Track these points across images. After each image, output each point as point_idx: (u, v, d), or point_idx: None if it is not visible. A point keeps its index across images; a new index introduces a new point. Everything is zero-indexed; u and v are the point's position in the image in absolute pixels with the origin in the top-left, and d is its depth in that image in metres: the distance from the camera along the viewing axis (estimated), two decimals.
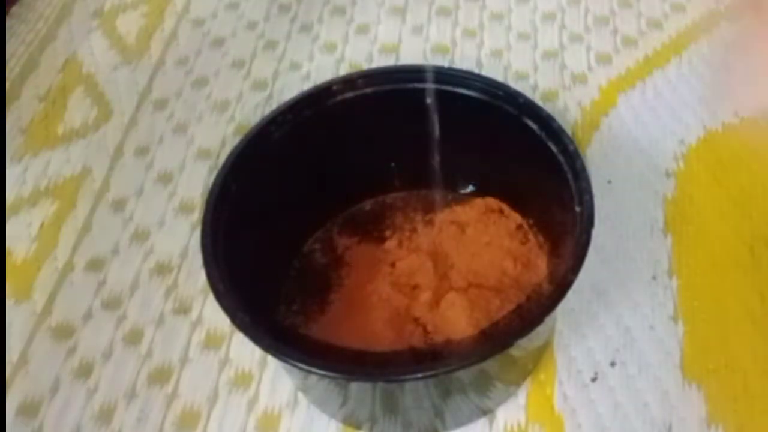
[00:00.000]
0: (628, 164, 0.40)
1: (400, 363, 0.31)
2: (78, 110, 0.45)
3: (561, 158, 0.30)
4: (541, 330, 0.27)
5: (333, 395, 0.31)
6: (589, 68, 0.45)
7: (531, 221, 0.35)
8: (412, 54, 0.47)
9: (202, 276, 0.30)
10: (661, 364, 0.33)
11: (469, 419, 0.32)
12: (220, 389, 0.34)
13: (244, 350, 0.35)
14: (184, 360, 0.35)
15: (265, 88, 0.46)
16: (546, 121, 0.30)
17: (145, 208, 0.40)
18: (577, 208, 0.28)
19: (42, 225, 0.40)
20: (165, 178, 0.41)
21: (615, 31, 0.48)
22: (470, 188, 0.36)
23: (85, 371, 0.34)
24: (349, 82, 0.33)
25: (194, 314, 0.36)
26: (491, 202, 0.36)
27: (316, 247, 0.35)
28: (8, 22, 0.50)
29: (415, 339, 0.32)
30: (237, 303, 0.27)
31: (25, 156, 0.43)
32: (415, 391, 0.28)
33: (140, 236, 0.39)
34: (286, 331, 0.32)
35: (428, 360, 0.31)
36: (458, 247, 0.34)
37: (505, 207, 0.35)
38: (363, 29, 0.49)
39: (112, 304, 0.37)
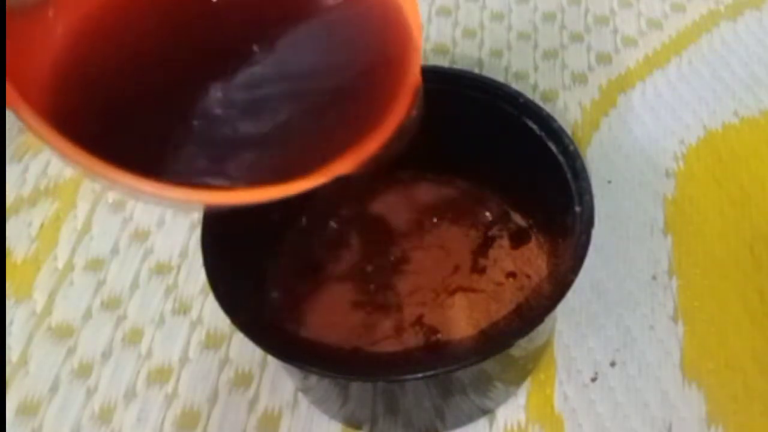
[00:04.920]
0: (628, 164, 0.40)
1: (400, 363, 0.31)
2: None
3: (561, 158, 0.30)
4: (541, 330, 0.27)
5: (333, 395, 0.31)
6: (589, 68, 0.45)
7: (531, 221, 0.35)
8: None
9: (202, 276, 0.30)
10: (661, 364, 0.33)
11: (469, 419, 0.32)
12: (220, 389, 0.34)
13: (244, 350, 0.35)
14: (184, 360, 0.35)
15: None
16: (546, 121, 0.30)
17: (144, 207, 0.40)
18: (577, 208, 0.28)
19: (42, 225, 0.40)
20: None
21: (615, 31, 0.48)
22: (470, 188, 0.36)
23: (84, 371, 0.34)
24: None
25: (194, 314, 0.36)
26: (491, 202, 0.36)
27: (318, 247, 0.35)
28: None
29: (415, 339, 0.32)
30: (237, 303, 0.27)
31: (25, 156, 0.43)
32: (416, 391, 0.28)
33: (140, 236, 0.39)
34: (286, 331, 0.32)
35: (428, 360, 0.31)
36: (458, 247, 0.34)
37: (505, 207, 0.35)
38: None
39: (112, 304, 0.37)
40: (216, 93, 0.22)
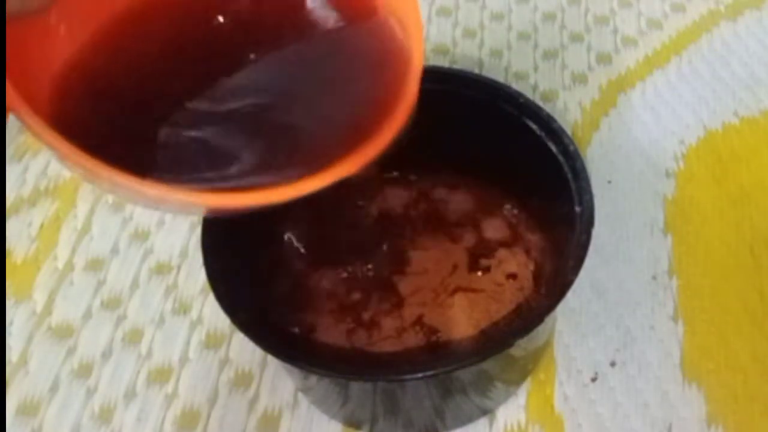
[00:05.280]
0: (628, 164, 0.40)
1: (400, 363, 0.31)
2: None
3: (561, 158, 0.30)
4: (541, 330, 0.27)
5: (333, 395, 0.31)
6: (589, 68, 0.45)
7: (531, 221, 0.35)
8: None
9: (202, 276, 0.30)
10: (661, 364, 0.33)
11: (470, 419, 0.32)
12: (220, 389, 0.34)
13: (244, 350, 0.35)
14: (184, 360, 0.35)
15: None
16: (546, 121, 0.30)
17: (144, 208, 0.40)
18: (577, 208, 0.28)
19: (42, 225, 0.40)
20: None
21: (615, 31, 0.48)
22: (469, 188, 0.36)
23: (84, 371, 0.34)
24: None
25: (194, 314, 0.36)
26: (491, 202, 0.36)
27: (318, 248, 0.35)
28: None
29: (415, 339, 0.32)
30: (237, 303, 0.27)
31: (25, 156, 0.43)
32: (416, 391, 0.28)
33: (140, 236, 0.39)
34: (286, 331, 0.32)
35: (428, 360, 0.31)
36: (458, 247, 0.34)
37: (505, 207, 0.35)
38: None
39: (112, 303, 0.37)
40: (219, 100, 0.23)
